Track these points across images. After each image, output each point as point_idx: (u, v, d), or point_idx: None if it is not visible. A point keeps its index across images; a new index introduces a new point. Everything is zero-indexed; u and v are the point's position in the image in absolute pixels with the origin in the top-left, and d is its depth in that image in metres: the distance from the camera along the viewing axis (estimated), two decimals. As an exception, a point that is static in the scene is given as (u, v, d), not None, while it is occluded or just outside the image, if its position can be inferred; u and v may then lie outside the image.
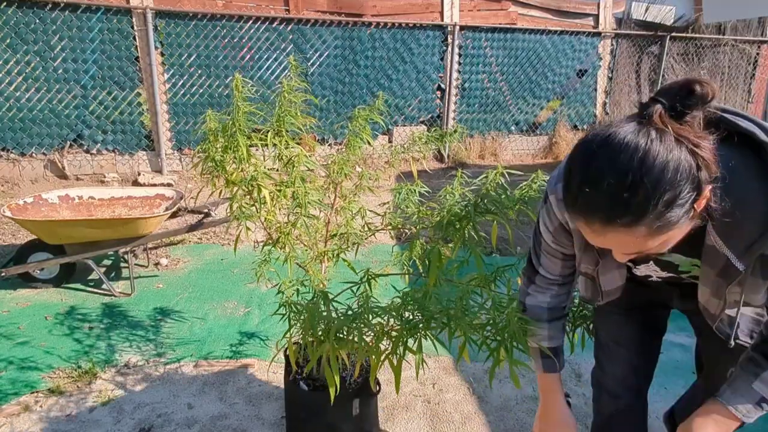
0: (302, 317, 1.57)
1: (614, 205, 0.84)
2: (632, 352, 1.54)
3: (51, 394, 2.53)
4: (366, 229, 2.09)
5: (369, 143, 2.11)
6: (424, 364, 1.60)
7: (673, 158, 0.82)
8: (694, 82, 0.88)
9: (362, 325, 1.47)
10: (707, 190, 0.87)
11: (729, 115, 0.97)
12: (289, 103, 2.02)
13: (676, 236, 0.91)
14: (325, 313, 1.55)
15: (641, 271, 1.29)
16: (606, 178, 0.84)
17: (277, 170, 2.07)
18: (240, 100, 1.92)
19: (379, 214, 2.06)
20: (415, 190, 1.95)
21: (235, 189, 1.99)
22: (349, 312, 1.53)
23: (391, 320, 1.54)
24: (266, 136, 1.97)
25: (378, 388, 2.18)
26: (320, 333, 1.53)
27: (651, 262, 1.24)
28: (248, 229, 1.96)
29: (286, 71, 6.20)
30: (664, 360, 2.59)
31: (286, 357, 2.14)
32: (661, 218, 0.84)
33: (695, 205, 0.86)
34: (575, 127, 8.01)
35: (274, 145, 1.98)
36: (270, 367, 2.77)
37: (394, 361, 1.55)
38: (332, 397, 1.61)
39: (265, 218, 2.03)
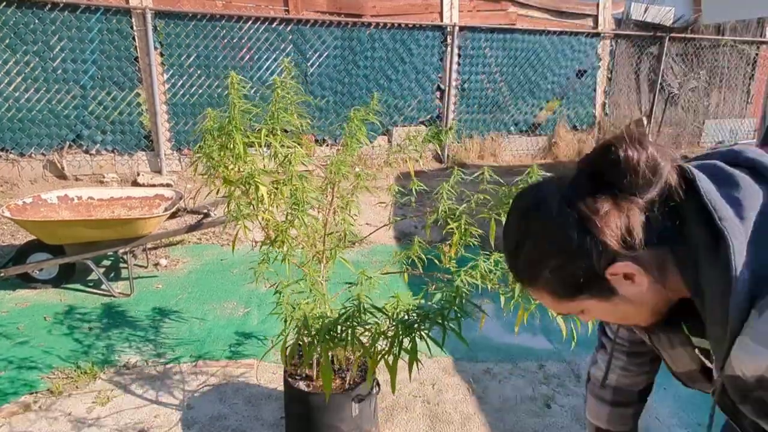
0: (296, 317, 1.57)
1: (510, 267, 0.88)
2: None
3: (50, 394, 2.53)
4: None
5: (365, 143, 2.11)
6: (419, 364, 1.60)
7: (548, 229, 0.77)
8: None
9: (356, 324, 1.47)
10: (622, 264, 0.75)
11: (702, 180, 0.76)
12: (283, 101, 2.01)
13: (601, 308, 0.82)
14: (319, 313, 1.55)
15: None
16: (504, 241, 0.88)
17: (276, 171, 2.06)
18: (236, 98, 1.92)
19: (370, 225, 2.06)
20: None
21: (232, 188, 1.99)
22: (343, 310, 1.53)
23: (387, 320, 1.54)
24: (260, 134, 1.97)
25: (377, 388, 2.18)
26: (314, 333, 1.54)
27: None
28: (246, 228, 1.96)
29: (285, 72, 6.21)
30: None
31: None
32: (535, 283, 0.82)
33: (608, 275, 0.77)
34: (575, 127, 8.02)
35: (269, 144, 1.98)
36: (269, 367, 2.77)
37: (390, 361, 1.55)
38: (327, 396, 1.61)
39: (263, 217, 2.03)
